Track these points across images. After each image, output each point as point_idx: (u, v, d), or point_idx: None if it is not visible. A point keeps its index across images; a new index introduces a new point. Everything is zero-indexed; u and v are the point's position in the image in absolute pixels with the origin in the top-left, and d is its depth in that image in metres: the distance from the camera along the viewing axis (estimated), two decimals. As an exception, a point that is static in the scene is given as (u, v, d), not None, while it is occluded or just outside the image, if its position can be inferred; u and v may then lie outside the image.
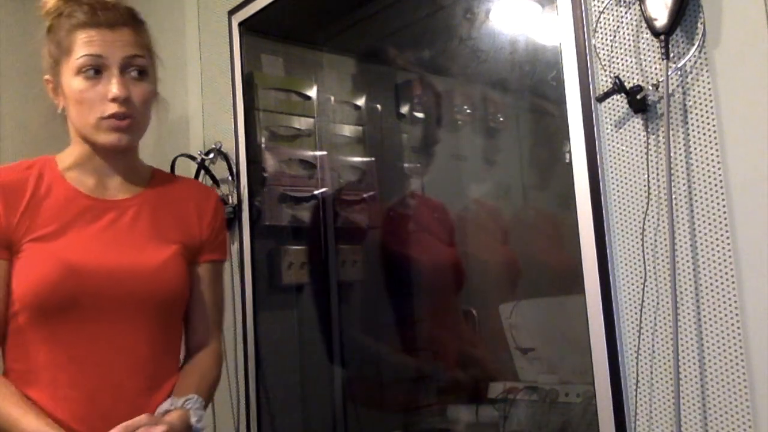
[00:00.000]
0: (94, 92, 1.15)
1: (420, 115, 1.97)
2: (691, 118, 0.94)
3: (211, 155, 1.76)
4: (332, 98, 1.92)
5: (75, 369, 1.14)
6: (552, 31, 1.21)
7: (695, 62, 0.94)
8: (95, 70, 1.15)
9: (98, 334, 1.15)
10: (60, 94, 1.20)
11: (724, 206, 0.90)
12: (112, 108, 1.14)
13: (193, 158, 1.78)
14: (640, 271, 0.99)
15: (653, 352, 0.97)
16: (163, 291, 1.20)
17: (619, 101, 1.01)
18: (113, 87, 1.14)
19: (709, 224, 0.92)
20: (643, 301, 0.98)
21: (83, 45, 1.15)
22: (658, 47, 0.97)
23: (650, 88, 0.97)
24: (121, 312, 1.16)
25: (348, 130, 1.94)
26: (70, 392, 1.13)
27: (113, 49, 1.15)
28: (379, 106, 1.99)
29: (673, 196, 0.95)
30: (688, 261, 0.94)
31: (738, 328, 0.88)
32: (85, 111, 1.16)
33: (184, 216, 1.26)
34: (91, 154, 1.21)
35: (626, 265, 1.00)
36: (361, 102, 1.96)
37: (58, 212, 1.17)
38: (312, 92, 1.86)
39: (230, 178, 1.72)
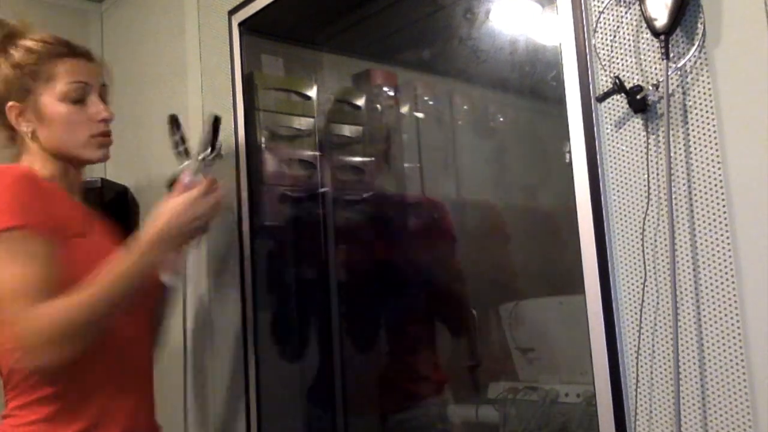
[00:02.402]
0: (82, 114, 1.30)
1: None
2: (691, 118, 0.94)
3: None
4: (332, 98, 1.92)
5: (118, 368, 1.26)
6: (552, 31, 1.21)
7: (695, 62, 0.94)
8: (81, 96, 1.30)
9: (129, 334, 1.29)
10: (29, 119, 1.30)
11: (724, 206, 0.90)
12: (102, 127, 1.31)
13: (193, 158, 1.78)
14: (640, 271, 0.99)
15: (653, 352, 0.97)
16: (145, 291, 1.28)
17: (619, 101, 1.01)
18: (104, 110, 1.31)
19: (709, 224, 0.92)
20: (643, 301, 0.98)
21: (68, 73, 1.30)
22: (658, 47, 0.97)
23: (650, 88, 0.97)
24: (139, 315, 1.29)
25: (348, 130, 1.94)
26: (121, 396, 1.25)
27: (94, 77, 1.33)
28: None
29: (673, 196, 0.95)
30: (688, 261, 0.94)
31: (738, 328, 0.88)
32: (73, 131, 1.29)
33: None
34: (66, 169, 1.33)
35: (626, 265, 1.00)
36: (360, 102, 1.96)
37: (71, 213, 1.28)
38: (312, 92, 1.86)
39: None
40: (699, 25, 0.93)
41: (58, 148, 1.30)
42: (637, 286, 0.99)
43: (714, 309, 0.91)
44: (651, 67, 0.98)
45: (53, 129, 1.30)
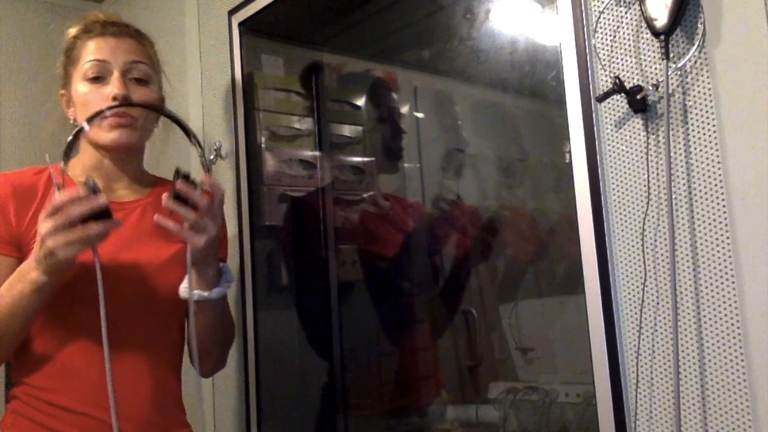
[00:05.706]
0: (97, 94, 1.22)
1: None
2: (691, 118, 0.94)
3: (212, 155, 1.76)
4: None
5: (82, 358, 1.18)
6: (552, 31, 1.21)
7: (695, 62, 0.94)
8: (99, 74, 1.23)
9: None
10: (71, 105, 1.28)
11: (724, 206, 0.90)
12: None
13: (193, 158, 1.78)
14: (640, 271, 0.99)
15: (653, 352, 0.97)
16: (166, 287, 1.24)
17: (619, 101, 1.01)
18: (113, 86, 1.22)
19: (709, 224, 0.92)
20: (643, 301, 0.98)
21: (90, 52, 1.24)
22: (658, 47, 0.97)
23: (650, 88, 0.97)
24: (126, 306, 1.19)
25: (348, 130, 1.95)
26: (78, 381, 1.18)
27: (116, 55, 1.24)
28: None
29: (673, 196, 0.95)
30: (688, 261, 0.94)
31: (738, 328, 0.88)
32: (89, 112, 1.20)
33: None
34: (100, 160, 1.27)
35: (626, 265, 1.00)
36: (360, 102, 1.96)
37: None
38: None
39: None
40: (699, 25, 0.93)
41: (86, 133, 1.24)
42: (637, 286, 0.99)
43: (714, 309, 0.91)
44: (651, 67, 0.98)
45: (77, 111, 1.25)
